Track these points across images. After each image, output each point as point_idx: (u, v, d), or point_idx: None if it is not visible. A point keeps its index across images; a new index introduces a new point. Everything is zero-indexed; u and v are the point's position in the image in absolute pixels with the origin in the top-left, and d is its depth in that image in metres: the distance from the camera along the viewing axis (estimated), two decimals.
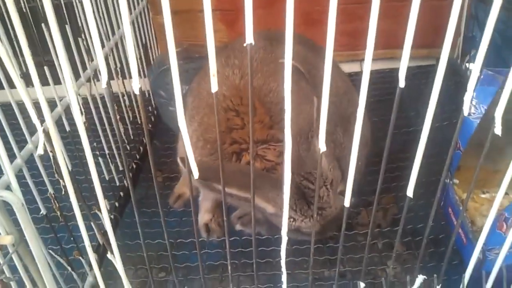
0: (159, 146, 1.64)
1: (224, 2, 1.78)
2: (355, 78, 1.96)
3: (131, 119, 1.50)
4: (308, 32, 1.35)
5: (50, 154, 0.67)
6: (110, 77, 1.31)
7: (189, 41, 1.66)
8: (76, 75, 1.14)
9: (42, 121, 0.59)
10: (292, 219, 0.94)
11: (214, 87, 0.54)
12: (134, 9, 1.53)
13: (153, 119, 1.72)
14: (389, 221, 1.29)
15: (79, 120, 0.60)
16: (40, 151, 0.61)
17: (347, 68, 1.79)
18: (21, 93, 0.58)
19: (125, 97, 1.49)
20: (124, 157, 0.63)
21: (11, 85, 0.86)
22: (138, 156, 1.49)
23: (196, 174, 0.60)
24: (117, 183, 1.32)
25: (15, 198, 0.70)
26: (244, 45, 0.51)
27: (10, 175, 0.75)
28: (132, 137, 1.52)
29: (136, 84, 0.53)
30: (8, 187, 0.77)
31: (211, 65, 0.52)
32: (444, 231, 1.16)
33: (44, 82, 0.68)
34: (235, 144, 1.01)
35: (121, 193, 1.31)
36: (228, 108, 1.05)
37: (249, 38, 0.51)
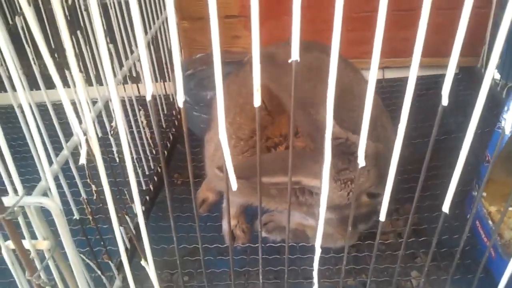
0: (182, 150, 1.65)
1: (248, 8, 1.78)
2: (376, 85, 1.95)
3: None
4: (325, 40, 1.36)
5: (85, 160, 0.68)
6: (137, 80, 1.33)
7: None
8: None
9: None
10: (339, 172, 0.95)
11: (257, 102, 0.55)
12: (161, 14, 1.54)
13: (176, 123, 1.73)
14: (410, 231, 1.29)
15: (121, 124, 0.60)
16: (83, 160, 0.62)
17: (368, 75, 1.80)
18: (64, 103, 0.58)
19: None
20: (163, 160, 0.64)
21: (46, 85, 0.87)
22: None
23: (234, 186, 0.61)
24: (143, 187, 1.34)
25: (54, 204, 0.71)
26: (289, 61, 0.52)
27: (50, 182, 0.76)
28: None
29: (180, 97, 0.54)
30: (45, 193, 0.78)
31: (255, 80, 0.53)
32: (470, 243, 1.15)
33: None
34: (269, 140, 1.03)
35: (147, 197, 1.32)
36: (260, 107, 1.07)
37: (295, 55, 0.52)
